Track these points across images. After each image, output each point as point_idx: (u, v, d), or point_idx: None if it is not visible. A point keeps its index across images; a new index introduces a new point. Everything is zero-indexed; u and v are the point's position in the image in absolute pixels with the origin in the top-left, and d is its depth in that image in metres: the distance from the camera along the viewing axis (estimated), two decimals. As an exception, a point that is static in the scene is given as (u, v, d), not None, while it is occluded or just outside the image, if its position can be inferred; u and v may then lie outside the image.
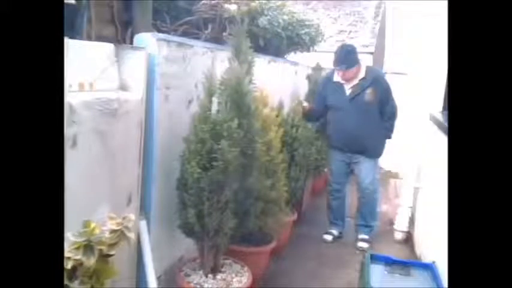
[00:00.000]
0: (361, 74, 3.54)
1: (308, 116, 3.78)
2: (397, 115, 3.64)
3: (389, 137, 3.66)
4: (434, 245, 2.88)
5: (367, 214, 3.70)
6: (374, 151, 3.64)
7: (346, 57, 3.48)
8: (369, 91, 3.50)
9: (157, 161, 2.14)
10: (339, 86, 3.60)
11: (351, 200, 3.94)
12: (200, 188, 2.03)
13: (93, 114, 1.61)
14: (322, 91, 3.79)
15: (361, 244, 3.63)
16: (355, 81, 3.53)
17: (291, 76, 4.75)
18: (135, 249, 2.03)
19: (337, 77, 3.60)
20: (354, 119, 3.51)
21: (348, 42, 8.69)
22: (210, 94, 2.13)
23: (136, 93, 1.92)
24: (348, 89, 3.56)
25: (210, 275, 2.25)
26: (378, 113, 3.54)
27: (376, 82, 3.53)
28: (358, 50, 3.79)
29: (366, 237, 3.67)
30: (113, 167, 1.80)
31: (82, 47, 1.68)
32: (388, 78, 3.82)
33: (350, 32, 10.16)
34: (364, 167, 3.62)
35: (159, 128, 2.12)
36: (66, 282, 1.19)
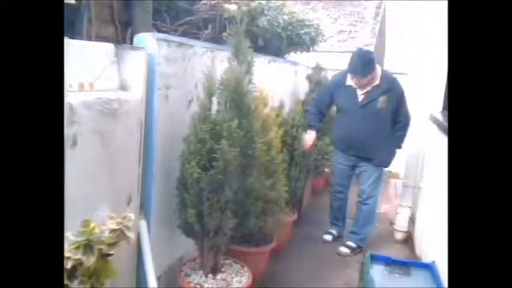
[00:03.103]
0: (376, 81, 3.38)
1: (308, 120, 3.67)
2: (410, 124, 3.50)
3: (399, 147, 3.55)
4: (434, 245, 2.88)
5: (361, 223, 3.61)
6: (381, 160, 3.50)
7: (364, 66, 3.32)
8: (382, 99, 3.35)
9: (157, 160, 2.14)
10: (352, 91, 3.45)
11: (353, 201, 3.92)
12: (200, 188, 2.03)
13: (93, 114, 1.62)
14: (331, 90, 3.64)
15: (342, 249, 3.56)
16: (369, 88, 3.39)
17: (291, 76, 4.75)
18: (135, 249, 2.03)
19: (350, 81, 3.45)
20: (363, 125, 3.40)
21: (348, 42, 8.71)
22: (210, 94, 2.13)
23: (136, 93, 1.92)
24: (360, 95, 3.42)
25: (210, 275, 2.25)
26: (390, 121, 3.40)
27: (391, 90, 3.37)
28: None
29: (352, 244, 3.58)
30: (112, 167, 1.80)
31: (82, 47, 1.68)
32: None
33: (350, 32, 10.17)
34: (368, 175, 3.52)
35: (159, 128, 2.12)
36: (66, 281, 1.19)
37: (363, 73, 3.33)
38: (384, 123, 3.41)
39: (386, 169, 3.81)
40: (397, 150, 3.59)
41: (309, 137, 3.61)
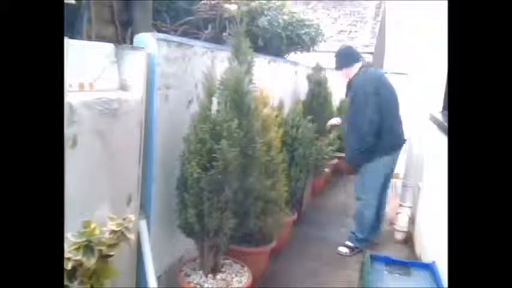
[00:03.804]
0: (347, 78, 3.55)
1: None
2: (365, 133, 3.29)
3: (357, 150, 3.38)
4: (434, 245, 2.88)
5: (356, 224, 3.61)
6: (351, 163, 3.55)
7: (336, 59, 3.58)
8: (347, 98, 3.57)
9: (157, 161, 2.14)
10: None
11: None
12: (200, 188, 2.03)
13: (93, 114, 1.61)
14: None
15: (341, 249, 3.57)
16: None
17: (291, 76, 4.75)
18: (135, 248, 2.03)
19: None
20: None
21: (348, 42, 8.72)
22: (210, 94, 2.13)
23: (136, 93, 1.91)
24: None
25: (210, 275, 2.25)
26: (350, 122, 3.48)
27: (352, 92, 3.43)
28: (358, 50, 3.78)
29: (349, 244, 3.58)
30: (113, 167, 1.80)
31: (82, 47, 1.68)
32: (388, 79, 3.70)
33: (350, 32, 10.18)
34: (358, 177, 3.59)
35: (159, 128, 2.12)
36: (66, 282, 1.19)
37: (336, 66, 3.58)
38: (347, 122, 3.55)
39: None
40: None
41: (333, 120, 4.17)
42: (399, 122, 3.50)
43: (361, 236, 3.56)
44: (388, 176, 3.62)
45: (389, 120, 3.38)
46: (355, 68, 3.47)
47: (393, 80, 3.83)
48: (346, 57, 3.52)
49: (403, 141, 3.59)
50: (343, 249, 3.55)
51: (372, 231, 3.61)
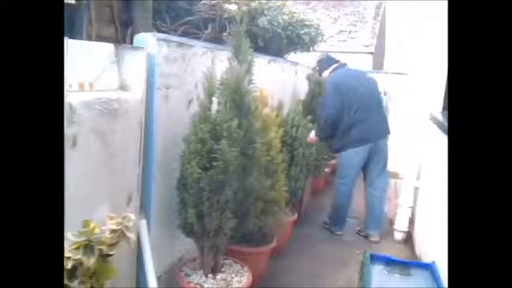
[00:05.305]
0: None
1: None
2: (320, 125, 3.84)
3: (320, 138, 3.97)
4: (434, 245, 2.88)
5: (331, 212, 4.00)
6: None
7: (317, 66, 4.23)
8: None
9: (157, 161, 2.14)
10: None
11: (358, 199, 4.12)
12: (200, 188, 2.03)
13: (93, 114, 1.62)
14: None
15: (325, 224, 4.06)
16: None
17: (291, 76, 4.75)
18: (135, 248, 2.03)
19: None
20: None
21: (348, 42, 8.73)
22: (210, 94, 2.13)
23: (136, 93, 1.91)
24: None
25: (210, 275, 2.25)
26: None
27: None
28: (358, 50, 3.86)
29: (326, 221, 4.04)
30: (113, 167, 1.80)
31: (82, 47, 1.68)
32: (387, 79, 3.83)
33: (350, 32, 10.19)
34: None
35: (159, 128, 2.12)
36: (66, 282, 1.19)
37: (318, 72, 4.19)
38: None
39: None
40: (398, 149, 4.03)
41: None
42: (372, 117, 3.73)
43: (332, 219, 3.94)
44: (369, 166, 3.86)
45: (356, 115, 3.67)
46: (331, 69, 3.96)
47: (393, 80, 3.85)
48: (323, 63, 4.06)
49: (379, 134, 3.81)
50: (325, 224, 4.02)
51: (342, 219, 3.93)
